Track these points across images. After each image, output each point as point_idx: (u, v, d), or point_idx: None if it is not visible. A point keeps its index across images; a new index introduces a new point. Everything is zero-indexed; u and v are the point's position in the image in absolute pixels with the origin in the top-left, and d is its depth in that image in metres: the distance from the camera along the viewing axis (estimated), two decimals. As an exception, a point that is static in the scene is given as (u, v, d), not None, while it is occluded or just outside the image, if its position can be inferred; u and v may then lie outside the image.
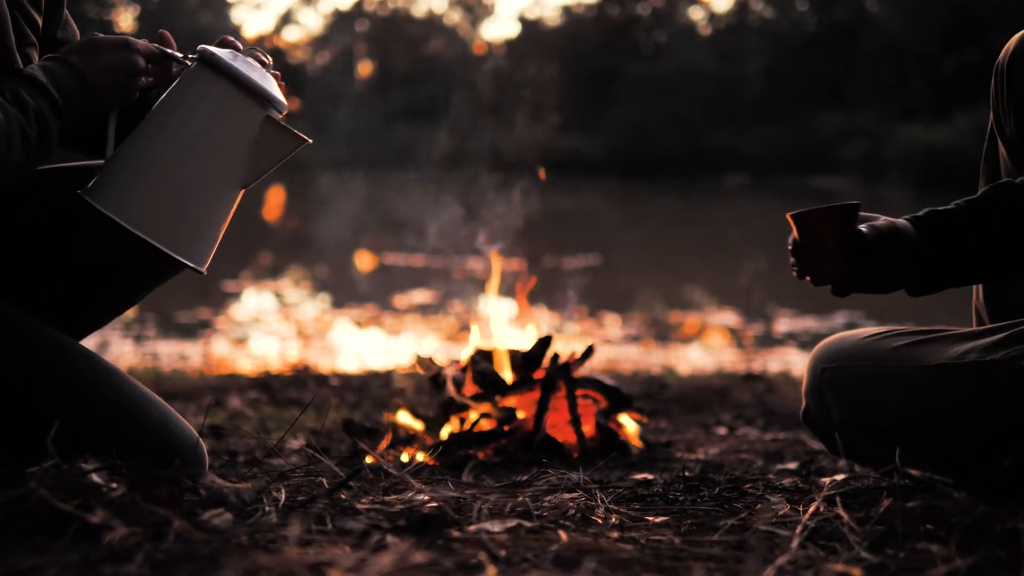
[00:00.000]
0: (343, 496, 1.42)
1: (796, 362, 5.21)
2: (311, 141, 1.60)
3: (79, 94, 1.53)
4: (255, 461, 2.20)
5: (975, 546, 1.22)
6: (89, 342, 1.80)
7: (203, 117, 1.57)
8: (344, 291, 8.42)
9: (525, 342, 2.64)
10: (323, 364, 4.72)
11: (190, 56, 1.61)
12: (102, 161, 1.60)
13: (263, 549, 1.15)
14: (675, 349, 5.85)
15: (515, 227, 2.93)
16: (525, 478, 1.72)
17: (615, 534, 1.32)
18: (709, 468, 2.24)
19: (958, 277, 1.57)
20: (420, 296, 7.69)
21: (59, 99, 1.51)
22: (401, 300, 7.53)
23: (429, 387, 2.66)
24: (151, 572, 1.07)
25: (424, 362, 2.60)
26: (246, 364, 4.87)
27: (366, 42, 36.72)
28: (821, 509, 1.39)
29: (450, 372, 2.55)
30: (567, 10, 38.26)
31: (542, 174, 2.87)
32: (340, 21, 38.01)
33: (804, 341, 6.11)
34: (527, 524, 1.32)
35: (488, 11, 39.63)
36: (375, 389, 3.63)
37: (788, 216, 1.57)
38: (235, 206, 1.63)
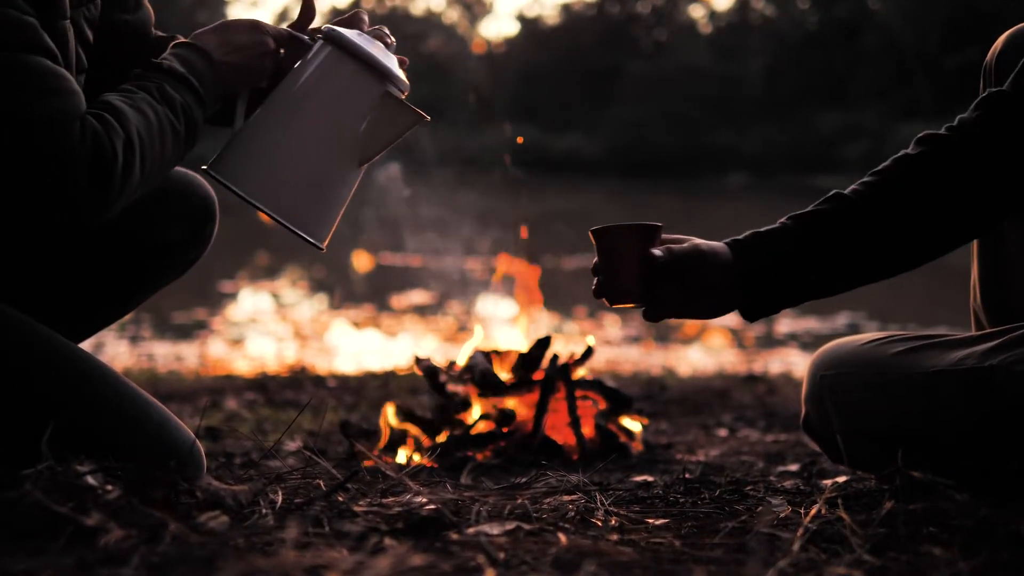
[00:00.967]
0: (340, 498, 1.42)
1: (797, 363, 5.20)
2: (428, 118, 1.63)
3: (212, 80, 1.58)
4: (252, 463, 2.19)
5: (978, 549, 1.21)
6: (84, 343, 1.79)
7: (323, 92, 1.61)
8: (341, 291, 8.41)
9: (524, 343, 2.63)
10: (320, 365, 4.72)
11: (317, 36, 1.65)
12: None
13: (260, 552, 1.14)
14: (675, 350, 5.84)
15: (514, 227, 2.92)
16: (524, 480, 1.71)
17: (615, 536, 1.31)
18: (710, 470, 2.23)
19: (797, 296, 1.56)
20: (418, 296, 7.69)
21: (200, 89, 1.55)
22: (399, 300, 7.52)
23: (427, 388, 2.65)
24: (147, 575, 1.06)
25: (422, 363, 2.59)
26: (243, 365, 4.87)
27: (365, 41, 36.64)
28: (823, 511, 1.38)
29: (448, 373, 2.54)
30: (566, 8, 38.29)
31: (508, 162, 2.85)
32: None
33: (805, 342, 6.10)
34: (526, 526, 1.31)
35: (486, 9, 39.62)
36: (373, 390, 3.62)
37: (589, 232, 1.57)
38: (355, 184, 1.67)
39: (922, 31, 28.04)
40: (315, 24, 1.73)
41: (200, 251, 1.86)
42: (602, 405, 2.51)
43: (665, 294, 1.54)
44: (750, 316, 1.57)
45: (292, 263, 10.33)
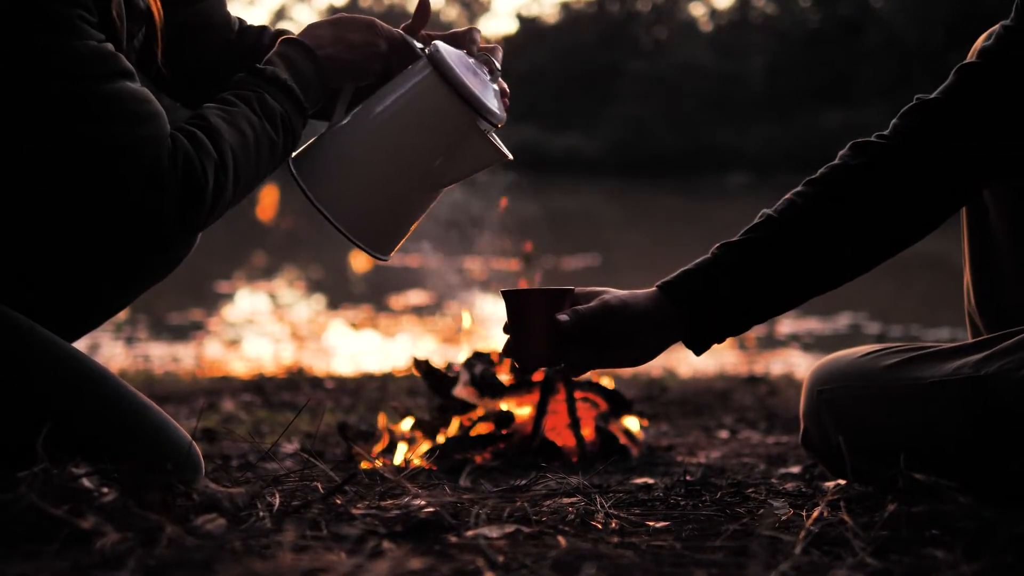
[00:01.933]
0: (338, 501, 1.41)
1: (799, 364, 5.20)
2: (511, 158, 1.61)
3: (316, 81, 1.57)
4: (249, 465, 2.19)
5: (981, 552, 1.21)
6: (79, 344, 1.78)
7: (413, 114, 1.59)
8: (339, 292, 8.41)
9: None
10: (318, 366, 4.71)
11: (426, 49, 1.62)
12: None
13: (257, 555, 1.13)
14: (676, 351, 5.83)
15: (514, 226, 2.91)
16: (523, 482, 1.70)
17: (615, 539, 1.30)
18: (711, 472, 2.22)
19: (741, 324, 1.56)
20: (416, 297, 7.68)
21: (303, 98, 1.54)
22: (397, 301, 7.52)
23: (426, 389, 2.64)
24: (142, 579, 1.05)
25: (420, 364, 2.58)
26: (239, 366, 4.86)
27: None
28: (825, 514, 1.38)
29: (447, 374, 2.53)
30: (565, 6, 38.31)
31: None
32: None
33: (807, 343, 6.10)
34: (525, 529, 1.30)
35: (485, 8, 39.66)
36: (370, 392, 3.61)
37: (500, 291, 1.57)
38: (429, 207, 1.66)
39: (925, 29, 28.04)
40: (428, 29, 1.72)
41: (189, 248, 1.85)
42: (602, 407, 2.50)
43: (576, 355, 1.55)
44: (695, 350, 1.58)
45: (289, 263, 10.33)
